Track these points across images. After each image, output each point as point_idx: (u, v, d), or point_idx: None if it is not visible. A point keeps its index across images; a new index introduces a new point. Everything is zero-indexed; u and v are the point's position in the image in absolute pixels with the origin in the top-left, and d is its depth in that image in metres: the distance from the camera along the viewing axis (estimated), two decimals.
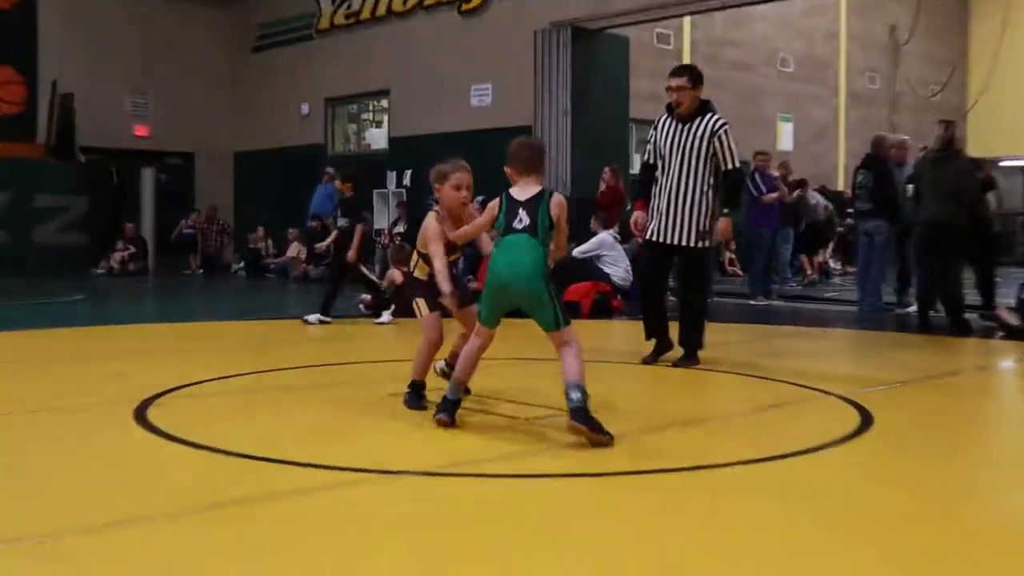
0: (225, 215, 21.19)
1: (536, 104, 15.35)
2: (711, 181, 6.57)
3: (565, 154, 15.05)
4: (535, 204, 4.48)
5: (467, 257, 13.63)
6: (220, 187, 21.65)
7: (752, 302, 12.69)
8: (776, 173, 13.53)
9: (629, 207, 9.18)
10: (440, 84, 17.17)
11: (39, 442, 4.45)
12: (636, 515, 3.42)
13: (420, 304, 5.08)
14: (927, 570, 2.86)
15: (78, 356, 7.53)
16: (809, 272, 17.01)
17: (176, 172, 21.54)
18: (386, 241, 15.92)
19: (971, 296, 10.16)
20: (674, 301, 7.27)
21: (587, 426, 4.15)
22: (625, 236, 11.91)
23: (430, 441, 4.43)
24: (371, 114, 20.42)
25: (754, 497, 3.64)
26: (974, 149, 18.94)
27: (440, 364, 5.26)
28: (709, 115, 6.61)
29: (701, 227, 6.55)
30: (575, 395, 4.20)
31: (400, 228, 16.23)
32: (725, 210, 6.65)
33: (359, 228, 9.66)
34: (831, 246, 18.49)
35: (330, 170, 18.88)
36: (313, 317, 9.40)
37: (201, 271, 20.00)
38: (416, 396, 5.06)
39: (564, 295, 11.40)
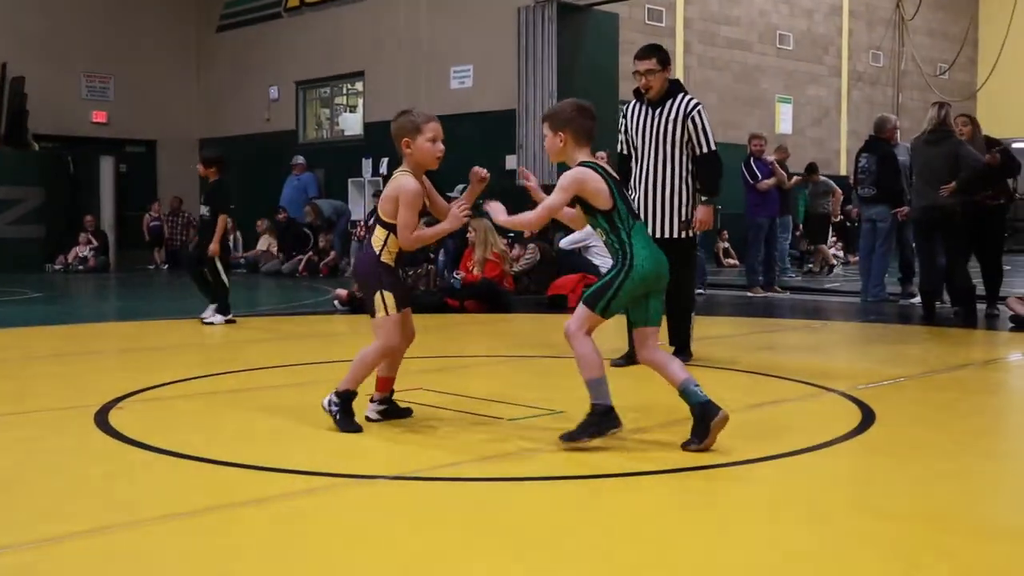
0: (189, 207, 21.09)
1: (520, 86, 15.34)
2: (689, 167, 6.54)
3: None
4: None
5: (449, 251, 13.67)
6: (184, 177, 21.52)
7: (749, 294, 12.75)
8: (772, 158, 13.57)
9: None
10: (418, 65, 17.17)
11: None
12: (626, 519, 3.45)
13: (387, 299, 4.55)
14: (930, 569, 2.90)
15: (33, 357, 7.52)
16: (830, 263, 17.34)
17: (137, 161, 21.45)
18: (361, 233, 15.90)
19: (981, 286, 10.21)
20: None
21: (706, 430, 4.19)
22: None
23: (401, 444, 4.45)
24: (345, 98, 20.39)
25: (750, 497, 3.68)
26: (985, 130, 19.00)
27: (373, 408, 4.78)
28: (681, 95, 6.57)
29: (684, 216, 6.53)
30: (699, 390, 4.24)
31: None
32: (704, 198, 6.57)
33: (222, 218, 9.14)
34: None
35: (300, 160, 18.93)
36: (216, 317, 9.12)
37: (166, 266, 19.95)
38: (346, 413, 4.57)
39: (551, 288, 11.53)
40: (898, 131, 11.95)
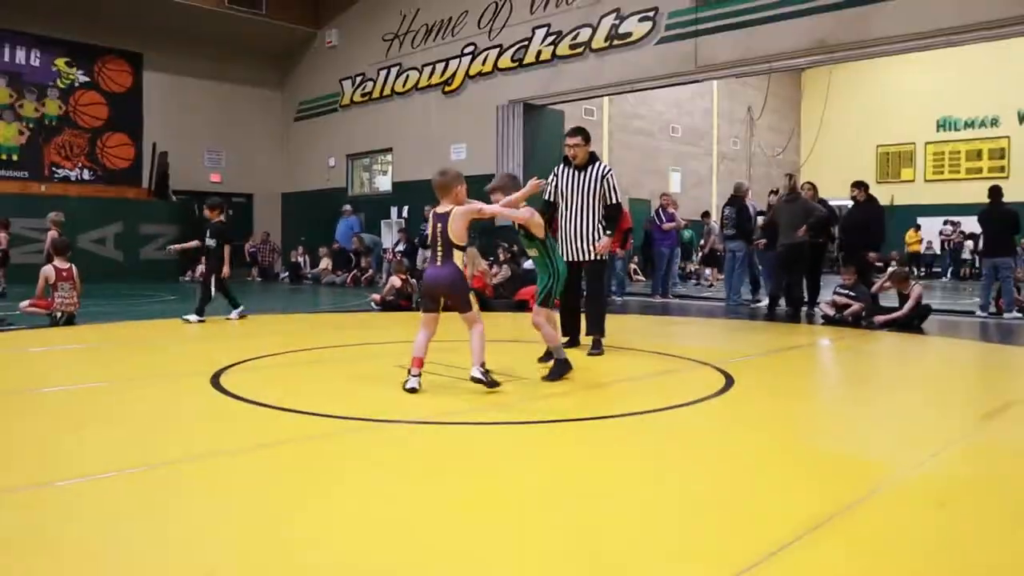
0: (275, 238, 21.02)
1: (497, 158, 15.31)
2: (600, 212, 6.34)
3: None
4: None
5: None
6: (271, 218, 21.47)
7: (653, 300, 12.75)
8: (672, 210, 13.59)
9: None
10: (429, 143, 17.12)
11: (136, 402, 4.38)
12: (561, 449, 3.43)
13: (472, 298, 4.58)
14: (774, 485, 2.90)
15: (176, 340, 7.41)
16: (712, 282, 17.37)
17: (240, 208, 21.28)
18: (390, 257, 15.85)
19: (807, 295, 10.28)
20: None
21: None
22: None
23: (417, 399, 4.41)
24: (379, 165, 20.24)
25: (647, 435, 3.67)
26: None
27: (414, 380, 4.49)
28: (598, 163, 6.37)
29: (596, 245, 6.32)
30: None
31: (400, 247, 16.17)
32: (608, 232, 6.35)
33: (227, 248, 8.85)
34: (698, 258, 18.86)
35: (348, 207, 18.76)
36: (192, 316, 8.64)
37: (259, 279, 19.77)
38: (485, 373, 4.41)
39: (517, 295, 11.47)
40: (749, 192, 12.02)
